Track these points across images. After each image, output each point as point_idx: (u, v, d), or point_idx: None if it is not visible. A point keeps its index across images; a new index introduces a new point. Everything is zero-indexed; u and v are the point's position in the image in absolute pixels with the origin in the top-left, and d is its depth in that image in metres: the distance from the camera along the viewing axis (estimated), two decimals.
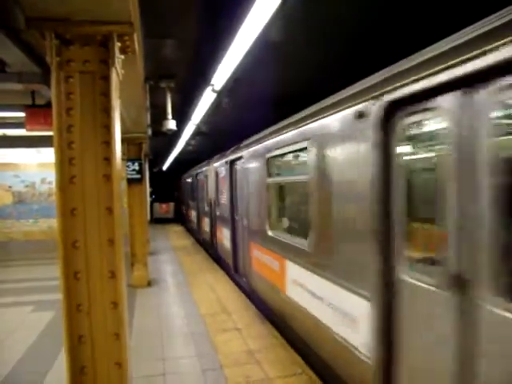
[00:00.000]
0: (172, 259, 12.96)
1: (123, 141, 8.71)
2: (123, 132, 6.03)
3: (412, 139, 3.22)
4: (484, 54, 2.36)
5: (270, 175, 6.58)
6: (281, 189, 6.66)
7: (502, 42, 2.26)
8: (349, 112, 3.83)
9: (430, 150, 3.19)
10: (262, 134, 7.09)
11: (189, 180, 20.34)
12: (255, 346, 5.60)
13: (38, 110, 7.01)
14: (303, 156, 5.35)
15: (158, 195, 29.15)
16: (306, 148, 4.87)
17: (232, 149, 9.67)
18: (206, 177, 13.85)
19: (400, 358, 3.23)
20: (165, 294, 8.54)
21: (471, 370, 2.53)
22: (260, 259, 7.09)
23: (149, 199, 20.82)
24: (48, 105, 7.34)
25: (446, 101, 2.72)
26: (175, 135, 11.84)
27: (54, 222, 15.50)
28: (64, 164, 2.63)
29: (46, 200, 15.71)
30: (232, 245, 9.67)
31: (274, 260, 6.25)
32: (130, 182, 9.53)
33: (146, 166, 15.78)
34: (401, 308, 3.22)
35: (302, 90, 7.48)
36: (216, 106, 7.74)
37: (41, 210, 15.75)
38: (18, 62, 5.14)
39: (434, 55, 2.83)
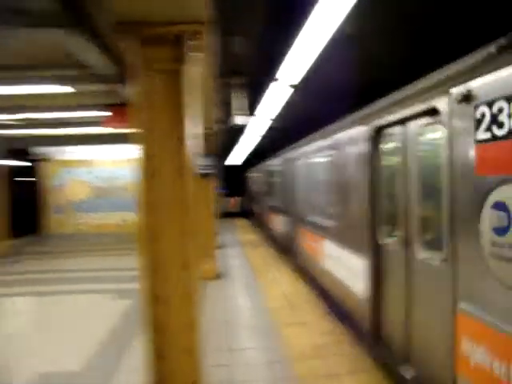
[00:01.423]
0: (239, 253, 13.17)
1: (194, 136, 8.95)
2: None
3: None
4: None
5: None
6: None
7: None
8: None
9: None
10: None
11: (262, 174, 18.33)
12: (322, 341, 5.58)
13: (118, 109, 7.41)
14: None
15: (226, 190, 29.63)
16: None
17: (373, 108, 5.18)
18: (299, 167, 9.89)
19: None
20: (232, 287, 8.72)
21: None
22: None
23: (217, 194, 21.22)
24: (124, 104, 7.73)
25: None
26: (243, 130, 12.03)
27: (127, 216, 16.44)
28: (144, 159, 2.78)
29: (120, 194, 16.55)
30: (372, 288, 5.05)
31: None
32: (200, 176, 9.80)
33: (215, 161, 16.11)
34: None
35: (376, 81, 7.32)
36: (286, 101, 7.75)
37: (115, 203, 16.62)
38: (98, 63, 5.46)
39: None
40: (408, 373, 4.06)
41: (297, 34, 4.34)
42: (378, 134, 4.88)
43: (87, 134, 12.93)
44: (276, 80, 6.10)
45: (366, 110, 5.28)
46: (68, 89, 6.68)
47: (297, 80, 6.17)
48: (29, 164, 17.60)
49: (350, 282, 5.83)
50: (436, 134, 3.63)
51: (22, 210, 17.44)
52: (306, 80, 6.46)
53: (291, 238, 10.70)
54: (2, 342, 5.86)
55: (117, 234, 16.26)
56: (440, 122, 3.44)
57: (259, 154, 20.92)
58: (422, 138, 3.99)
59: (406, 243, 4.18)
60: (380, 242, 4.85)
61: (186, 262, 2.87)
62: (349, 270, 5.92)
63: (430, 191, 3.78)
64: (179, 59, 2.82)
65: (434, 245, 3.67)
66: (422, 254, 3.88)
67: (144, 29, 2.73)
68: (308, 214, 8.76)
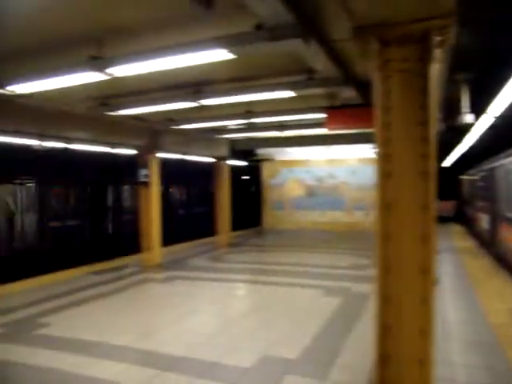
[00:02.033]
0: (455, 260, 12.18)
1: None
2: None
3: None
4: None
5: None
6: None
7: None
8: None
9: None
10: None
11: (476, 177, 17.39)
12: None
13: (336, 111, 7.58)
14: None
15: (438, 192, 27.69)
16: None
17: None
18: None
19: None
20: (449, 296, 8.09)
21: None
22: None
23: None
24: (345, 105, 7.88)
25: None
26: (461, 130, 11.08)
27: (338, 215, 16.84)
28: (382, 160, 2.77)
29: (332, 194, 17.02)
30: None
31: None
32: None
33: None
34: None
35: None
36: None
37: (327, 202, 17.16)
38: (324, 68, 5.68)
39: None
40: None
41: None
42: None
43: (305, 136, 13.64)
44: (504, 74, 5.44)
45: None
46: (290, 93, 7.09)
47: None
48: (247, 164, 19.49)
49: None
50: None
51: (243, 205, 19.49)
52: None
53: (494, 232, 12.86)
54: (226, 323, 6.58)
55: (328, 232, 16.81)
56: None
57: (469, 156, 19.00)
58: None
59: None
60: None
61: (424, 266, 2.75)
62: None
63: None
64: (424, 57, 2.72)
65: None
66: None
67: (385, 30, 2.71)
68: (506, 211, 10.91)
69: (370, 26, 2.70)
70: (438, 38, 2.70)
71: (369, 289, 8.31)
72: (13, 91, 5.80)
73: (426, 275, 2.75)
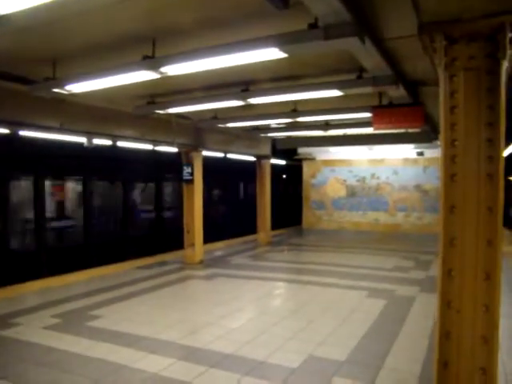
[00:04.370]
0: None
1: None
2: None
3: None
4: None
5: None
6: None
7: None
8: None
9: None
10: None
11: None
12: None
13: (383, 110, 7.44)
14: None
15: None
16: None
17: None
18: None
19: None
20: None
21: None
22: None
23: None
24: (392, 105, 7.73)
25: None
26: None
27: (379, 215, 16.54)
28: (446, 162, 2.69)
29: (374, 194, 16.76)
30: None
31: None
32: None
33: None
34: None
35: None
36: None
37: (369, 203, 16.91)
38: (375, 67, 5.58)
39: None
40: None
41: None
42: None
43: (348, 135, 13.49)
44: None
45: None
46: (338, 93, 6.98)
47: None
48: (288, 162, 19.40)
49: None
50: None
51: (284, 204, 19.41)
52: None
53: None
54: (270, 322, 6.55)
55: (369, 233, 16.63)
56: None
57: None
58: None
59: None
60: None
61: (488, 272, 2.65)
62: None
63: None
64: (495, 55, 2.61)
65: None
66: None
67: (454, 26, 2.62)
68: None
69: (438, 22, 2.62)
70: (510, 34, 2.59)
71: (413, 292, 8.14)
72: (70, 90, 6.00)
73: (490, 281, 2.65)
